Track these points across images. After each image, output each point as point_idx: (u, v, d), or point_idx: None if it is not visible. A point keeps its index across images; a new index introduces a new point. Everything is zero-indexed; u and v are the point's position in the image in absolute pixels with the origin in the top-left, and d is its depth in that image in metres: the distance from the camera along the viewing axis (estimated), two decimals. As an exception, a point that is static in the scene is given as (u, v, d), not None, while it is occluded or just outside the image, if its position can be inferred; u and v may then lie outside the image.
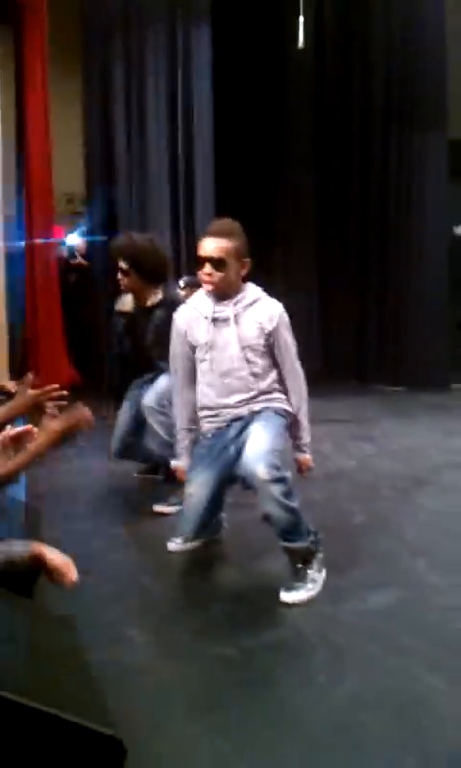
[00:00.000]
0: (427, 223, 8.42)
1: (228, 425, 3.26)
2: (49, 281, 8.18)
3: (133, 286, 4.28)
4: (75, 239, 9.64)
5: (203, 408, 3.32)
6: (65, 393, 2.95)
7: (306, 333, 8.23)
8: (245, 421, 3.24)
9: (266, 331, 3.21)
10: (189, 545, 3.65)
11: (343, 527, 3.98)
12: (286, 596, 3.13)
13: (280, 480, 3.04)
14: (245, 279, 3.31)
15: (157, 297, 4.27)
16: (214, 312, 3.24)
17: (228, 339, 3.22)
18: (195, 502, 3.24)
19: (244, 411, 3.25)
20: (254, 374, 3.23)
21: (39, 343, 8.05)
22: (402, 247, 8.53)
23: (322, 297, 9.04)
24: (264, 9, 8.58)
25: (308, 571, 3.20)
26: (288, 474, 3.09)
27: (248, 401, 3.25)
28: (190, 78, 7.78)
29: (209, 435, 3.31)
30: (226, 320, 3.22)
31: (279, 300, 3.33)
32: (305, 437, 3.38)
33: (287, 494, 3.06)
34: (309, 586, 3.17)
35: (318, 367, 8.13)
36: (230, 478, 3.26)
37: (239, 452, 3.16)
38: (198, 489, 3.24)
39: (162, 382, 4.23)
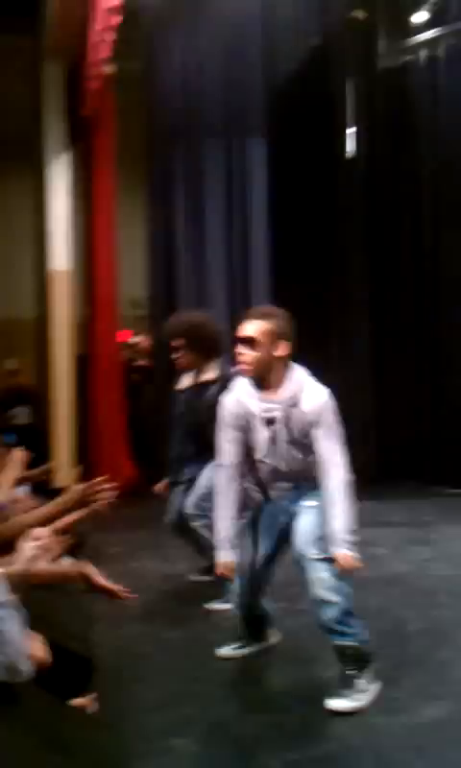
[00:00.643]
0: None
1: (278, 497, 3.35)
2: (112, 383, 8.43)
3: (188, 363, 4.42)
4: (137, 339, 9.97)
5: (253, 485, 3.39)
6: (115, 485, 3.05)
7: (361, 431, 8.24)
8: (292, 499, 3.30)
9: (313, 424, 3.19)
10: (241, 651, 3.63)
11: (397, 634, 3.91)
12: (332, 703, 3.08)
13: (330, 560, 3.08)
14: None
15: (211, 373, 4.39)
16: (263, 412, 3.24)
17: (279, 437, 3.23)
18: (243, 567, 3.35)
19: (294, 489, 3.32)
20: (307, 462, 3.24)
21: (102, 442, 8.24)
22: (457, 345, 8.53)
23: (377, 392, 9.02)
24: (316, 121, 8.98)
25: (357, 680, 3.14)
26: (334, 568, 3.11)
27: (298, 482, 3.29)
28: (246, 192, 8.18)
29: (257, 504, 3.40)
30: (273, 420, 3.23)
31: (335, 395, 3.31)
32: (338, 526, 3.13)
33: (336, 577, 3.08)
34: (357, 695, 3.11)
35: (373, 466, 8.10)
36: (279, 546, 3.36)
37: (290, 520, 3.25)
38: (246, 553, 3.36)
39: (202, 482, 4.31)
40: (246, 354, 3.21)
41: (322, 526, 3.14)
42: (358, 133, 9.07)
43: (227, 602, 4.25)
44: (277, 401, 3.22)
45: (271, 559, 3.47)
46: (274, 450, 3.26)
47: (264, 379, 3.24)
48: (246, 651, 3.67)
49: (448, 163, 8.76)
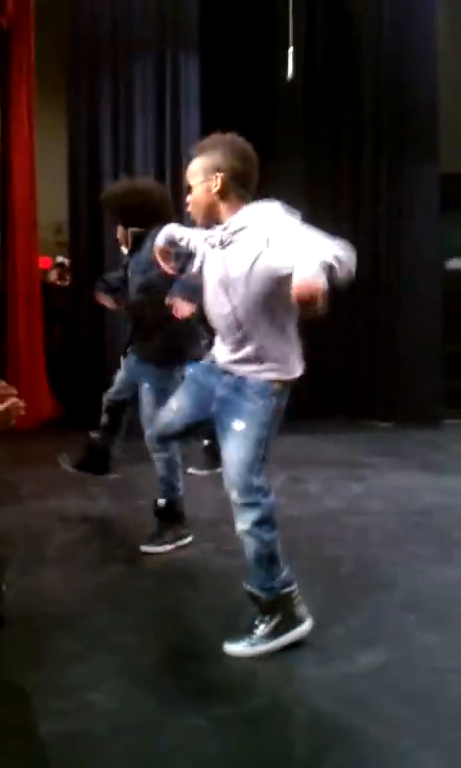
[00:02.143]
0: (419, 256, 8.29)
1: (216, 370, 2.95)
2: (31, 310, 7.98)
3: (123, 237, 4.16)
4: (62, 259, 9.63)
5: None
6: (23, 403, 2.71)
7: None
8: (232, 387, 2.86)
9: (261, 253, 2.65)
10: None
11: (328, 575, 3.74)
12: (227, 647, 2.91)
13: (254, 505, 2.82)
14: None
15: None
16: (209, 238, 2.85)
17: (216, 268, 2.82)
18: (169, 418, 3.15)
19: (235, 368, 2.86)
20: (240, 321, 2.78)
21: (20, 372, 7.83)
22: (394, 280, 8.39)
23: (310, 328, 8.82)
24: (254, 39, 8.50)
25: (261, 626, 2.92)
26: (266, 501, 2.85)
27: (236, 355, 2.84)
28: (179, 107, 7.68)
29: (208, 362, 3.03)
30: (214, 245, 2.82)
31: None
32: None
33: (262, 523, 2.83)
34: (254, 641, 2.90)
35: (305, 401, 7.93)
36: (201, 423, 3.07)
37: (217, 410, 2.91)
38: (175, 411, 3.11)
39: (146, 412, 4.02)
40: (189, 198, 2.86)
41: (248, 456, 2.80)
42: (297, 54, 8.60)
43: (162, 545, 4.06)
44: (221, 233, 2.79)
45: (189, 428, 3.14)
46: (213, 289, 2.86)
47: (215, 221, 2.83)
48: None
49: (389, 88, 8.43)
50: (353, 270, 2.56)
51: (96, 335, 7.54)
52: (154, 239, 3.50)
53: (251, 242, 2.69)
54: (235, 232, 2.75)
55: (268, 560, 2.89)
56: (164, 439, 3.48)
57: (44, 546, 4.13)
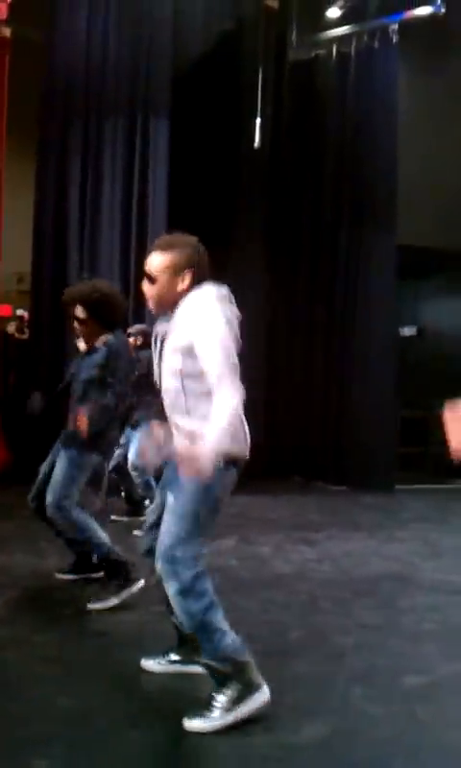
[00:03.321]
0: (375, 323, 8.51)
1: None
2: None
3: (89, 333, 4.26)
4: (21, 312, 9.65)
5: None
6: None
7: (250, 426, 8.11)
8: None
9: (189, 335, 2.79)
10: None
11: (277, 642, 3.75)
12: (188, 723, 2.85)
13: (175, 576, 2.82)
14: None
15: (101, 341, 4.25)
16: (156, 330, 2.98)
17: (160, 356, 2.94)
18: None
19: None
20: (186, 395, 2.85)
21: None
22: (349, 346, 8.58)
23: (268, 390, 8.95)
24: (223, 107, 8.78)
25: (218, 698, 2.88)
26: (186, 573, 2.82)
27: (177, 431, 2.91)
28: (146, 170, 7.86)
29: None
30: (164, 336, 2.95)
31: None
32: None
33: (185, 593, 2.82)
34: (215, 715, 2.85)
35: (261, 461, 7.98)
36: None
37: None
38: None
39: (59, 469, 4.09)
40: (148, 290, 2.96)
41: (173, 528, 2.84)
42: (264, 124, 8.91)
43: (106, 601, 4.06)
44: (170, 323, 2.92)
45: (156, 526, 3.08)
46: (158, 373, 2.96)
47: (172, 310, 2.92)
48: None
49: (350, 161, 8.75)
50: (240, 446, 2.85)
51: (53, 386, 7.52)
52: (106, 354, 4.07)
53: (179, 334, 2.83)
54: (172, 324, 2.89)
55: (203, 629, 2.87)
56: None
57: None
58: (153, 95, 7.97)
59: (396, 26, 8.81)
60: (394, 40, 8.80)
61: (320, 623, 4.08)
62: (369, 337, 8.55)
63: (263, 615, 4.12)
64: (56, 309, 7.69)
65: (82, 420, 4.05)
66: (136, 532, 5.37)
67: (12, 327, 10.03)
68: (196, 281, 2.93)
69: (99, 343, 4.26)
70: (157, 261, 2.94)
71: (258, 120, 8.59)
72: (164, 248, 2.96)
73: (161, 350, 2.95)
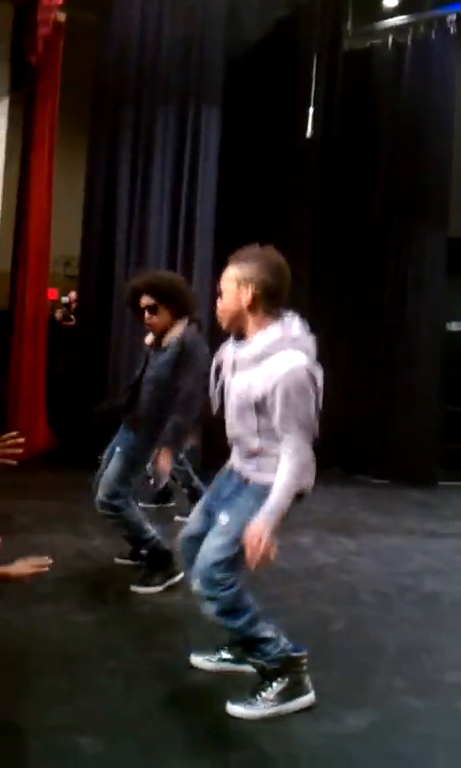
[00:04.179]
0: (422, 317, 8.41)
1: (231, 472, 3.01)
2: (36, 343, 8.05)
3: (163, 323, 4.09)
4: (70, 297, 9.72)
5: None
6: (22, 440, 2.77)
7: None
8: (236, 485, 2.94)
9: (266, 393, 2.75)
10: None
11: (318, 633, 3.75)
12: (230, 707, 2.88)
13: (214, 600, 2.83)
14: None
15: (174, 333, 4.08)
16: (231, 356, 2.92)
17: (230, 386, 2.90)
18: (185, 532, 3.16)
19: (241, 467, 2.93)
20: (252, 432, 2.84)
21: (19, 404, 7.87)
22: (396, 339, 8.49)
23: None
24: (275, 96, 8.70)
25: (265, 691, 2.90)
26: (225, 593, 2.82)
27: (245, 457, 2.92)
28: (197, 158, 7.81)
29: (227, 469, 3.06)
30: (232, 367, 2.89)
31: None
32: (270, 500, 2.73)
33: (225, 614, 2.84)
34: (259, 704, 2.88)
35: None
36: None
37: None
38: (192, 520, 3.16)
39: (113, 466, 4.07)
40: (219, 303, 2.91)
41: (218, 552, 2.84)
42: (317, 114, 8.82)
43: (151, 586, 4.09)
44: (242, 350, 2.84)
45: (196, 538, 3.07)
46: (227, 401, 2.93)
47: (240, 329, 2.88)
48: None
49: (404, 152, 8.64)
50: (307, 483, 2.90)
51: (99, 372, 7.60)
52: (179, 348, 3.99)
53: (260, 380, 2.77)
54: (251, 359, 2.81)
55: (248, 642, 2.90)
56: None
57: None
58: (205, 82, 7.93)
59: (454, 17, 8.66)
60: (452, 31, 8.64)
61: (362, 615, 4.07)
62: (417, 331, 8.45)
63: (305, 606, 4.12)
64: (102, 295, 7.74)
65: (161, 464, 3.94)
66: (178, 518, 5.42)
67: (59, 314, 10.13)
68: (267, 297, 2.83)
69: (171, 336, 4.08)
70: (225, 274, 2.90)
71: (311, 109, 8.51)
72: (233, 261, 2.91)
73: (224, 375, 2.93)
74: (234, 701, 2.90)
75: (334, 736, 2.81)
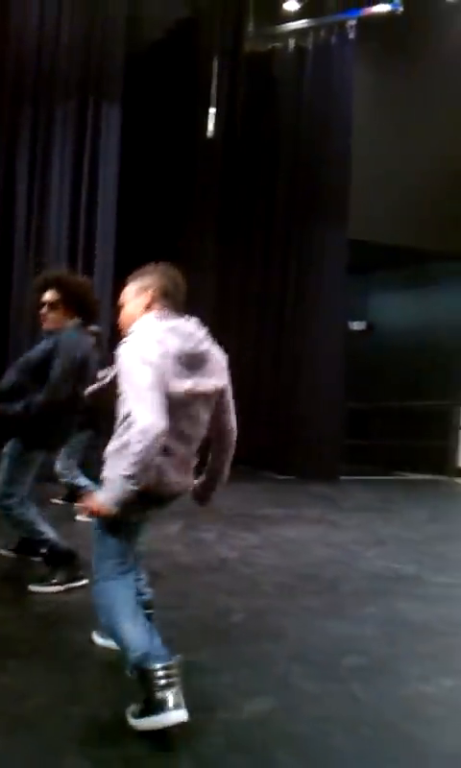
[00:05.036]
0: (325, 317, 8.59)
1: None
2: None
3: (56, 321, 4.07)
4: None
5: None
6: None
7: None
8: None
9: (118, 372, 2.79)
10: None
11: (220, 626, 3.79)
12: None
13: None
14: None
15: (63, 327, 4.06)
16: None
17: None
18: None
19: None
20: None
21: None
22: (299, 339, 8.65)
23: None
24: (177, 96, 8.74)
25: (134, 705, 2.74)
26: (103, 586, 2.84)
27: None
28: (97, 157, 7.79)
29: None
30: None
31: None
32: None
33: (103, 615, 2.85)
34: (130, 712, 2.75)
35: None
36: None
37: None
38: None
39: (5, 457, 4.04)
40: (122, 314, 3.02)
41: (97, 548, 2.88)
42: (219, 114, 8.91)
43: (51, 585, 4.05)
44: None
45: None
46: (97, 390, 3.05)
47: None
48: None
49: (305, 154, 8.80)
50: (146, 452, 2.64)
51: None
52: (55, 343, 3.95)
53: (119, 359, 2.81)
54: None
55: (109, 632, 2.89)
56: None
57: None
58: (105, 82, 7.90)
59: (354, 22, 8.89)
60: (351, 36, 8.87)
61: (262, 606, 4.12)
62: (319, 330, 8.62)
63: (206, 599, 4.15)
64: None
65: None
66: (79, 517, 5.39)
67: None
68: (164, 299, 2.95)
69: (59, 329, 4.06)
70: (125, 290, 3.02)
71: (213, 110, 8.58)
72: (132, 278, 3.03)
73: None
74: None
75: (234, 723, 2.84)
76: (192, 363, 2.85)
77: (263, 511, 6.47)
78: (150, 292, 2.96)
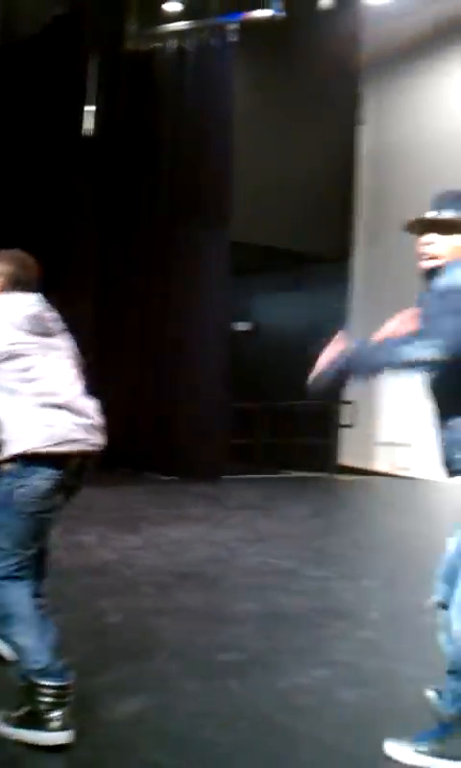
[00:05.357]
0: (209, 318, 8.63)
1: None
2: None
3: None
4: None
5: None
6: None
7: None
8: None
9: None
10: None
11: (96, 627, 3.74)
12: None
13: None
14: None
15: None
16: None
17: None
18: None
19: None
20: None
21: None
22: (183, 340, 8.65)
23: (99, 382, 8.84)
24: (54, 94, 8.60)
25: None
26: None
27: None
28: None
29: None
30: None
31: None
32: None
33: None
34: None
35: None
36: None
37: None
38: None
39: None
40: None
41: None
42: (98, 112, 8.84)
43: None
44: None
45: None
46: None
47: None
48: None
49: (186, 155, 8.82)
50: None
51: None
52: None
53: None
54: None
55: (3, 633, 2.68)
56: None
57: None
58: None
59: (235, 25, 8.97)
60: (232, 39, 8.95)
61: (140, 606, 4.10)
62: (203, 331, 8.66)
63: (84, 600, 4.09)
64: None
65: None
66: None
67: None
68: (15, 283, 2.87)
69: None
70: None
71: (91, 107, 8.49)
72: None
73: None
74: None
75: (107, 723, 2.82)
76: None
77: (146, 512, 6.44)
78: (1, 279, 2.89)
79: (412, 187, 9.66)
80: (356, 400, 10.20)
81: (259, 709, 2.99)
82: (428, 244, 2.51)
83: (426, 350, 2.33)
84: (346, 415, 10.31)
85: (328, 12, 9.28)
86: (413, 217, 2.55)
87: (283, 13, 8.78)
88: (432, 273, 2.50)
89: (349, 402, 10.28)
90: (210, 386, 8.58)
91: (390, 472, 9.90)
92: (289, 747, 2.71)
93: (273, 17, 8.89)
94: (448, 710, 2.52)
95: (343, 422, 10.38)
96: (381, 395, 10.17)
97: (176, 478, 8.11)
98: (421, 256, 2.54)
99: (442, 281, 2.44)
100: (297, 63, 9.53)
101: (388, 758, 2.58)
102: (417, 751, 2.53)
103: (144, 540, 5.51)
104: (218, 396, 8.63)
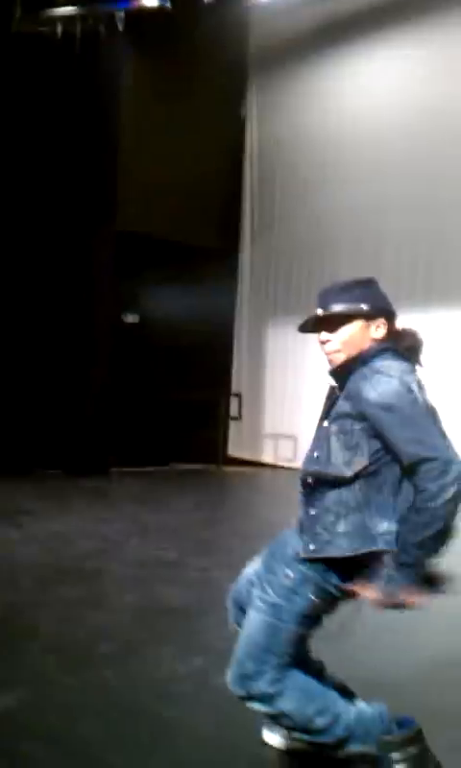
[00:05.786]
0: (96, 309, 8.55)
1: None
2: None
3: None
4: None
5: None
6: None
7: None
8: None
9: None
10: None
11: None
12: None
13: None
14: None
15: None
16: None
17: None
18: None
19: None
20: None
21: None
22: (70, 331, 8.55)
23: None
24: None
25: None
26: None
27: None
28: None
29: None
30: None
31: None
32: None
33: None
34: None
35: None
36: None
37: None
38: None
39: None
40: None
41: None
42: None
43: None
44: None
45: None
46: None
47: None
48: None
49: (72, 144, 8.69)
50: None
51: None
52: None
53: None
54: None
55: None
56: None
57: None
58: None
59: (122, 13, 8.88)
60: (120, 27, 8.86)
61: (18, 600, 4.04)
62: (90, 323, 8.57)
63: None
64: None
65: None
66: None
67: None
68: None
69: None
70: None
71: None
72: None
73: None
74: None
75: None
76: None
77: (27, 506, 6.33)
78: None
79: (299, 183, 9.84)
80: (243, 393, 10.32)
81: (135, 700, 3.00)
82: (325, 342, 2.43)
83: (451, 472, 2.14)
84: (233, 407, 10.41)
85: (215, 6, 9.30)
86: (307, 316, 2.45)
87: (168, 5, 8.74)
88: (343, 368, 2.40)
89: (236, 395, 10.38)
90: (97, 378, 8.51)
91: (275, 464, 10.05)
92: (165, 736, 2.74)
93: (161, 8, 8.84)
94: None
95: (230, 415, 10.48)
96: (268, 387, 10.31)
97: (62, 471, 8.00)
98: (325, 355, 2.45)
99: (369, 394, 2.27)
100: (186, 57, 9.49)
101: (264, 745, 2.63)
102: (292, 737, 2.55)
103: (24, 535, 5.43)
104: (105, 389, 8.56)
